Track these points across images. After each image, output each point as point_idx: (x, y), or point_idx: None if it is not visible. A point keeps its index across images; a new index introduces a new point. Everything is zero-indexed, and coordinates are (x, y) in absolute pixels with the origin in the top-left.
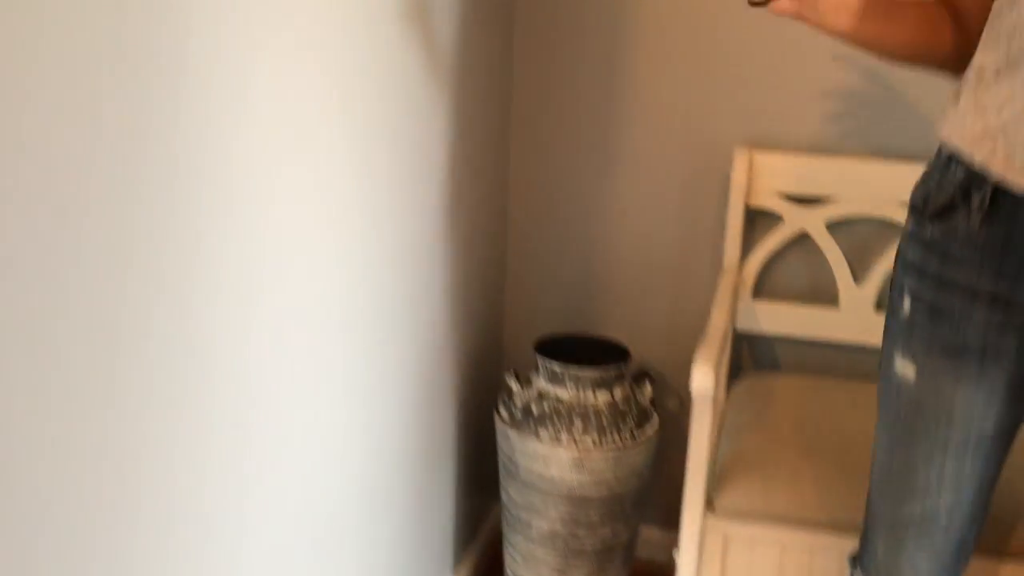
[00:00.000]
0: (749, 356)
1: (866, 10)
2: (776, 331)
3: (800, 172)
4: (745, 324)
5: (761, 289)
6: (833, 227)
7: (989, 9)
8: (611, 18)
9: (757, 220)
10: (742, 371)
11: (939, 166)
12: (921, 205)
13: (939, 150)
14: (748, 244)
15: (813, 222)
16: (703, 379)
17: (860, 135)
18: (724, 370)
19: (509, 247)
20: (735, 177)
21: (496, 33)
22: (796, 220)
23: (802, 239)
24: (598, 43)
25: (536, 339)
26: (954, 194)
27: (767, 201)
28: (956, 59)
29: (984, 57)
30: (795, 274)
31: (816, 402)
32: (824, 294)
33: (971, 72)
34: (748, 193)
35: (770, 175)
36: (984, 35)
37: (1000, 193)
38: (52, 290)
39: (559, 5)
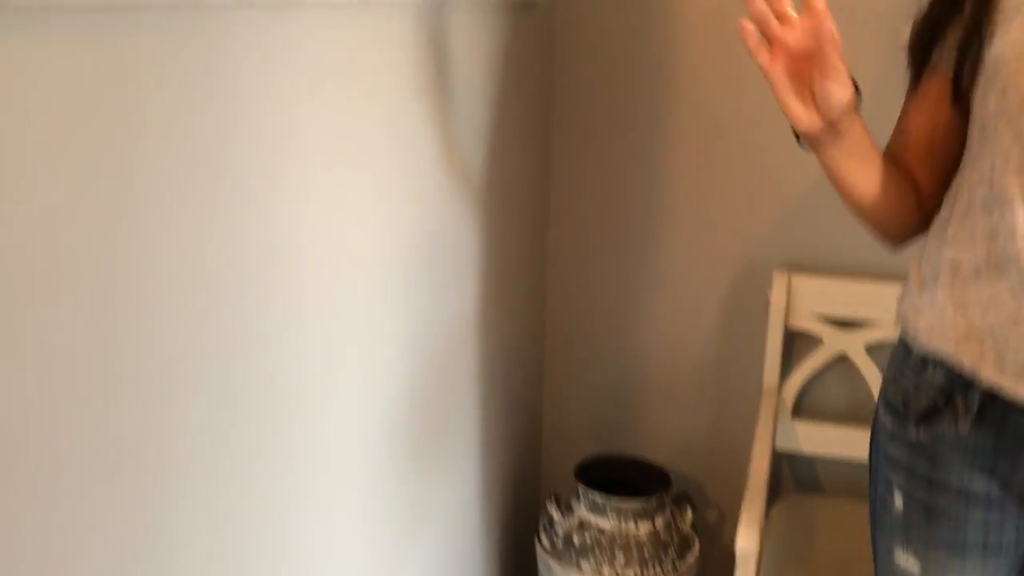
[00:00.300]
0: (789, 475)
1: (885, 183)
2: (816, 451)
3: (839, 295)
4: (784, 444)
5: (800, 409)
6: (873, 349)
7: (943, 185)
8: (651, 136)
9: (796, 340)
10: (782, 492)
11: (912, 365)
12: (901, 407)
13: (905, 344)
14: (788, 364)
15: (853, 345)
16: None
17: (899, 258)
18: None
19: (547, 364)
20: (774, 300)
21: (534, 150)
22: (836, 342)
23: (842, 359)
24: (637, 159)
25: (576, 463)
26: (935, 398)
27: (806, 323)
28: (914, 230)
29: (959, 253)
30: (835, 394)
31: (858, 532)
32: (864, 415)
33: (944, 267)
34: (787, 315)
35: (809, 298)
36: (953, 229)
37: (988, 397)
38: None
39: (597, 122)
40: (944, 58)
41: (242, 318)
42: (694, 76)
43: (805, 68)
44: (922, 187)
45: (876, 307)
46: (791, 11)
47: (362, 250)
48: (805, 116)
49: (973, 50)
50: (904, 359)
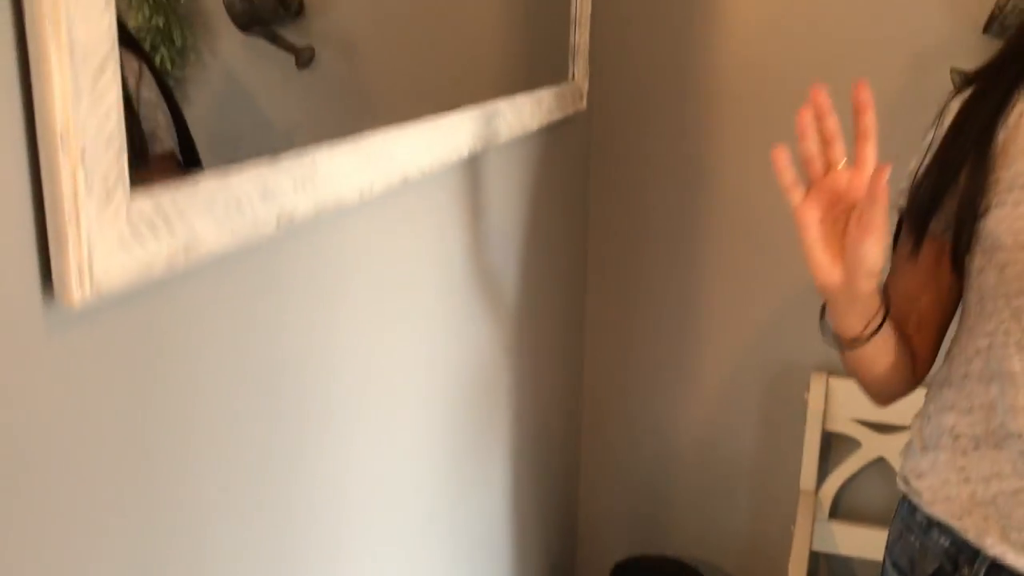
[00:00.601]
0: None
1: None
2: (853, 553)
3: None
4: (822, 545)
5: (838, 510)
6: None
7: (938, 348)
8: (688, 237)
9: (834, 442)
10: None
11: (917, 527)
12: (907, 568)
13: (909, 502)
14: (825, 466)
15: (891, 449)
16: None
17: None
18: None
19: (583, 463)
20: (812, 402)
21: (570, 254)
22: (874, 446)
23: (879, 461)
24: (674, 260)
25: (612, 564)
26: (942, 562)
27: (844, 427)
28: (904, 392)
29: (958, 421)
30: (872, 497)
31: None
32: None
33: (944, 432)
34: (825, 418)
35: (847, 401)
36: (952, 395)
37: (994, 564)
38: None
39: (633, 223)
40: (942, 227)
41: (285, 463)
42: (730, 179)
43: (841, 217)
44: (918, 351)
45: (914, 413)
46: (839, 166)
47: (405, 374)
48: (827, 268)
49: (970, 223)
50: (909, 516)
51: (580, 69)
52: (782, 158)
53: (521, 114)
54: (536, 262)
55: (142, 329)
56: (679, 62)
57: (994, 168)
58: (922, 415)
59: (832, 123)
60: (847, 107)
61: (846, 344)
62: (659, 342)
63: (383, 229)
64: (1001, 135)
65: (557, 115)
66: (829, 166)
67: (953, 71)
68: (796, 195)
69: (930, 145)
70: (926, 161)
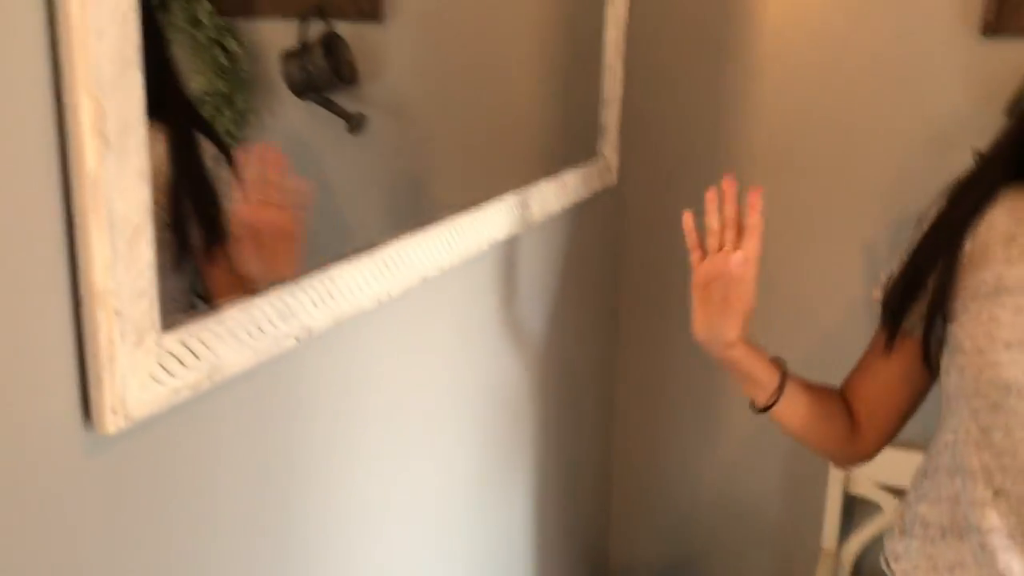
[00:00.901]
0: None
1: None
2: None
3: (899, 464)
4: None
5: (860, 572)
6: None
7: (886, 433)
8: None
9: (857, 504)
10: None
11: None
12: None
13: None
14: (847, 526)
15: None
16: None
17: None
18: None
19: (613, 519)
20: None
21: (601, 315)
22: (895, 510)
23: None
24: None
25: None
26: None
27: (866, 490)
28: (847, 461)
29: (929, 510)
30: None
31: None
32: None
33: (917, 520)
34: (847, 481)
35: (869, 465)
36: (926, 485)
37: None
38: None
39: (663, 283)
40: (911, 326)
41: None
42: None
43: (720, 288)
44: (866, 433)
45: None
46: (732, 249)
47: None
48: (696, 326)
49: (939, 326)
50: None
51: (609, 146)
52: (688, 222)
53: (545, 201)
54: (566, 328)
55: (170, 447)
56: (708, 138)
57: (961, 275)
58: (904, 501)
59: (730, 209)
60: (866, 184)
61: (755, 409)
62: (687, 401)
63: (401, 327)
64: (968, 244)
65: (584, 194)
66: (722, 246)
67: (975, 152)
68: (695, 256)
69: (907, 248)
70: (901, 264)
